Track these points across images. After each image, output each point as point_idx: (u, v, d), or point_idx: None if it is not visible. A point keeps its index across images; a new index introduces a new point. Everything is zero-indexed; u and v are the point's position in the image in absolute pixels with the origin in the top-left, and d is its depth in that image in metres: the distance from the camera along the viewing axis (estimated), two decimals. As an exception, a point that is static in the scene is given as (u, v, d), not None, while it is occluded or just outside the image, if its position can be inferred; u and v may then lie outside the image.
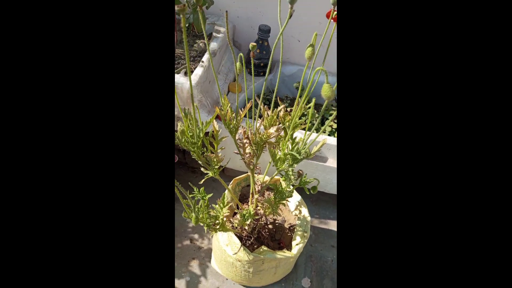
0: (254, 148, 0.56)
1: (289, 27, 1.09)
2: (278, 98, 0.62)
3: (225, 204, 0.65)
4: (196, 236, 1.06)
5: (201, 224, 0.62)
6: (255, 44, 0.56)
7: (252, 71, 0.56)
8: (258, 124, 0.56)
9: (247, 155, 0.60)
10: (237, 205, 0.84)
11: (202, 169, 0.57)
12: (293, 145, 0.49)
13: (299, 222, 0.80)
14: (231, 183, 0.88)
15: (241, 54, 0.56)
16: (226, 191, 0.90)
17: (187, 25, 1.02)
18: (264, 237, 0.84)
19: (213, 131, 0.55)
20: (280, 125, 0.55)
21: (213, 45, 0.95)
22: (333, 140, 0.92)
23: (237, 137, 0.60)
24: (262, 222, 0.78)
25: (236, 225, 0.74)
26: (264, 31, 1.02)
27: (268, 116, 0.54)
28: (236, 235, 0.77)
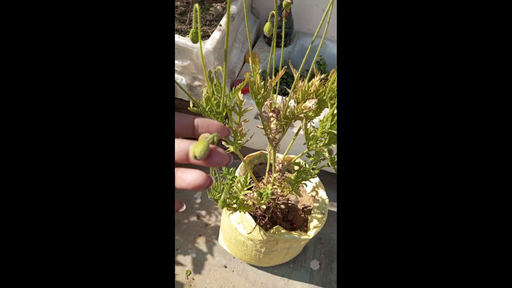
0: (283, 123, 0.50)
1: (314, -6, 0.99)
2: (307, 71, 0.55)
3: (247, 184, 0.60)
4: (203, 212, 1.03)
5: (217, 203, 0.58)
6: (290, 1, 0.48)
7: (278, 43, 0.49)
8: (288, 98, 0.49)
9: (272, 131, 0.54)
10: (250, 181, 0.80)
11: (223, 143, 0.52)
12: (332, 122, 0.44)
13: (317, 204, 0.76)
14: (243, 159, 0.83)
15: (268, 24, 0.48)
16: (240, 167, 0.86)
17: (203, -16, 0.92)
18: (277, 216, 0.80)
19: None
20: (315, 99, 0.49)
21: (232, 8, 0.86)
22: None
23: (262, 110, 0.54)
24: (278, 202, 0.74)
25: (250, 203, 0.70)
26: (288, -4, 0.92)
27: (302, 87, 0.48)
28: (249, 213, 0.74)
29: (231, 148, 0.52)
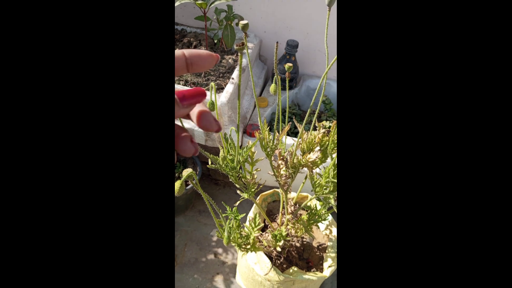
0: (291, 171, 0.55)
1: (315, 41, 1.09)
2: (315, 120, 0.61)
3: (256, 225, 0.64)
4: (220, 250, 1.06)
5: (232, 244, 0.62)
6: (291, 64, 0.56)
7: (285, 85, 0.56)
8: (294, 147, 0.55)
9: (282, 177, 0.59)
10: (264, 220, 0.83)
11: (238, 191, 0.57)
12: (335, 171, 0.48)
13: (331, 243, 0.78)
14: (257, 199, 0.87)
15: (277, 77, 0.55)
16: (253, 208, 0.89)
17: (215, 41, 1.04)
18: (292, 255, 0.82)
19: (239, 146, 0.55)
20: (319, 149, 0.54)
21: (243, 62, 0.95)
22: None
23: (272, 158, 0.59)
24: (293, 242, 0.77)
25: (265, 244, 0.73)
26: (292, 46, 1.02)
27: (307, 139, 0.54)
28: (265, 253, 0.76)
29: (246, 196, 0.57)
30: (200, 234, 1.10)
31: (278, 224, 0.79)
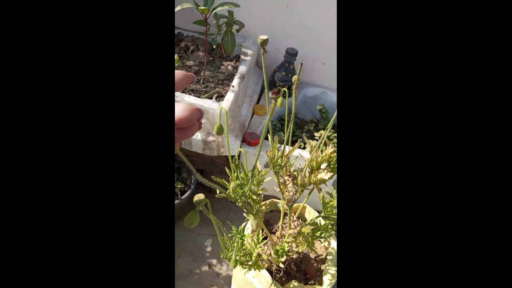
0: (300, 190, 0.54)
1: (314, 49, 1.09)
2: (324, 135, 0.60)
3: (259, 241, 0.62)
4: (214, 261, 1.03)
5: (238, 264, 0.60)
6: (266, 37, 0.54)
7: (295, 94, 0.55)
8: (304, 165, 0.54)
9: (290, 194, 0.58)
10: (262, 230, 0.81)
11: (244, 214, 0.55)
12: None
13: (331, 257, 0.78)
14: (259, 219, 0.85)
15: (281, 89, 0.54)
16: (251, 220, 0.88)
17: (214, 46, 1.01)
18: (291, 268, 0.81)
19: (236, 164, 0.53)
20: (326, 165, 0.53)
21: (242, 68, 0.93)
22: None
23: (279, 176, 0.58)
24: (294, 256, 0.76)
25: (265, 257, 0.71)
26: (292, 54, 1.01)
27: (318, 156, 0.53)
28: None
29: (252, 217, 0.55)
30: (194, 245, 1.07)
31: (278, 237, 0.77)
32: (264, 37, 0.39)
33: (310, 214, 0.87)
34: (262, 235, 0.72)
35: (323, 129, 1.06)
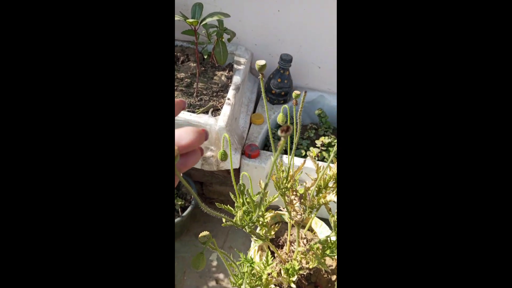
0: (308, 211, 0.52)
1: (309, 54, 1.06)
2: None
3: (269, 263, 0.60)
4: (221, 276, 1.01)
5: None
6: (298, 92, 0.52)
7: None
8: (312, 187, 0.51)
9: (298, 214, 0.56)
10: (268, 246, 0.79)
11: (252, 240, 0.53)
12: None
13: (341, 269, 0.76)
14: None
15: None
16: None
17: (205, 56, 0.98)
18: (302, 282, 0.79)
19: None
20: (335, 186, 0.51)
21: (236, 78, 0.90)
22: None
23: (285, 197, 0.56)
24: (304, 273, 0.74)
25: (275, 275, 0.69)
26: (286, 61, 0.98)
27: (325, 176, 0.50)
28: (275, 284, 0.73)
29: (260, 242, 0.52)
30: (199, 260, 1.04)
31: (286, 253, 0.75)
32: (262, 62, 0.36)
33: (317, 224, 0.85)
34: (271, 255, 0.70)
35: (324, 134, 1.04)
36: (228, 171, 0.96)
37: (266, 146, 1.02)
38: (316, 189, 0.53)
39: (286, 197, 0.56)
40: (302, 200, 0.54)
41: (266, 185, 0.30)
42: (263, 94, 0.41)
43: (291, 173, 0.52)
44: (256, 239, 0.53)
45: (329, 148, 0.98)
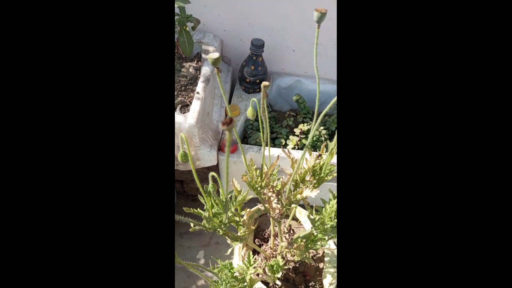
0: (286, 208, 0.49)
1: (283, 37, 1.01)
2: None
3: (251, 264, 0.58)
4: (209, 273, 0.99)
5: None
6: (267, 83, 0.48)
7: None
8: (288, 183, 0.48)
9: (276, 211, 0.53)
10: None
11: (228, 240, 0.50)
12: (335, 211, 0.43)
13: (328, 258, 0.75)
14: (244, 216, 0.81)
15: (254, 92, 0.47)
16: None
17: (171, 47, 0.91)
18: (289, 275, 0.78)
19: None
20: (312, 179, 0.48)
21: (205, 69, 0.85)
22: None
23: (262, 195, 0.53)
24: (290, 267, 0.73)
25: (261, 271, 0.67)
26: (258, 46, 0.93)
27: (302, 169, 0.47)
28: (262, 281, 0.71)
29: (237, 244, 0.50)
30: (185, 259, 1.02)
31: (271, 248, 0.74)
32: (215, 55, 0.32)
33: (301, 213, 0.83)
34: (253, 254, 0.67)
35: (303, 121, 1.01)
36: (208, 167, 0.92)
37: (245, 138, 0.98)
38: (293, 183, 0.51)
39: (262, 195, 0.53)
40: (279, 197, 0.51)
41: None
42: (221, 91, 0.37)
43: (265, 170, 0.48)
44: (232, 241, 0.50)
45: (309, 135, 0.95)
